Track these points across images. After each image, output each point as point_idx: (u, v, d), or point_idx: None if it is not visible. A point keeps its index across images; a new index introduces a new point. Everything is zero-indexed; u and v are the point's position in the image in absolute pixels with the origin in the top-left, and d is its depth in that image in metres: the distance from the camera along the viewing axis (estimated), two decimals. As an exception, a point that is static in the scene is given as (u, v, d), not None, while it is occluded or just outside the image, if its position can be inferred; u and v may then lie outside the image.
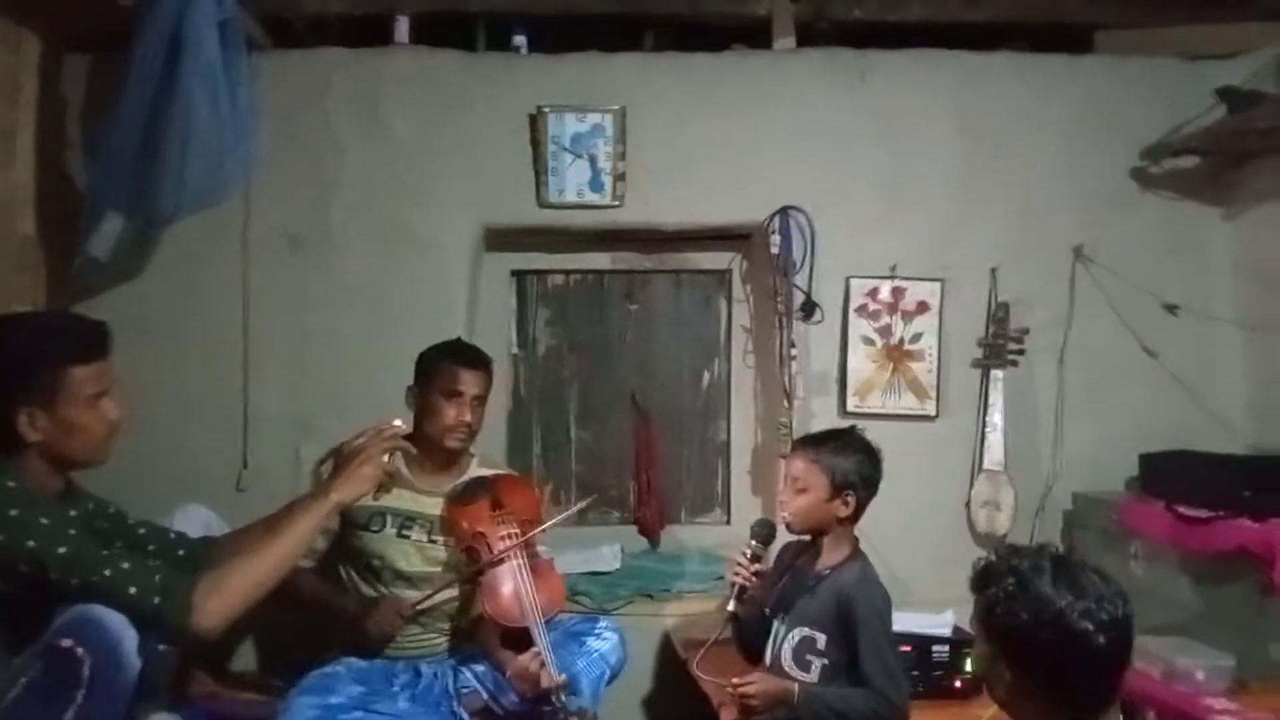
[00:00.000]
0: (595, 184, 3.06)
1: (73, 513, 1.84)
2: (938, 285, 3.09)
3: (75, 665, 1.61)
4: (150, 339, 2.83)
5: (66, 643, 1.62)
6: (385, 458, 1.99)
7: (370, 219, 3.02)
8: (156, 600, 1.70)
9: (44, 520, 1.71)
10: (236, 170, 2.59)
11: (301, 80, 3.00)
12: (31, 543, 1.68)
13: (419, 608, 2.42)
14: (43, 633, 1.67)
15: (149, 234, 2.81)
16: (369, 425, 2.05)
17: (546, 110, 3.01)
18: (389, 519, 2.47)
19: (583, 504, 2.59)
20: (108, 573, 1.70)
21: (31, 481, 1.79)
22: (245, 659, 2.85)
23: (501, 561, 2.34)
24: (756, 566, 2.12)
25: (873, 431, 2.94)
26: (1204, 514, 2.55)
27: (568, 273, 3.34)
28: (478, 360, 2.53)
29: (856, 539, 2.15)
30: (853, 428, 2.25)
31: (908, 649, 2.46)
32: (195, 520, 2.29)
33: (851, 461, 2.08)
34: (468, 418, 2.48)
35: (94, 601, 1.67)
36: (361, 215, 3.02)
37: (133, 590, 1.70)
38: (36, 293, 2.77)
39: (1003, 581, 1.43)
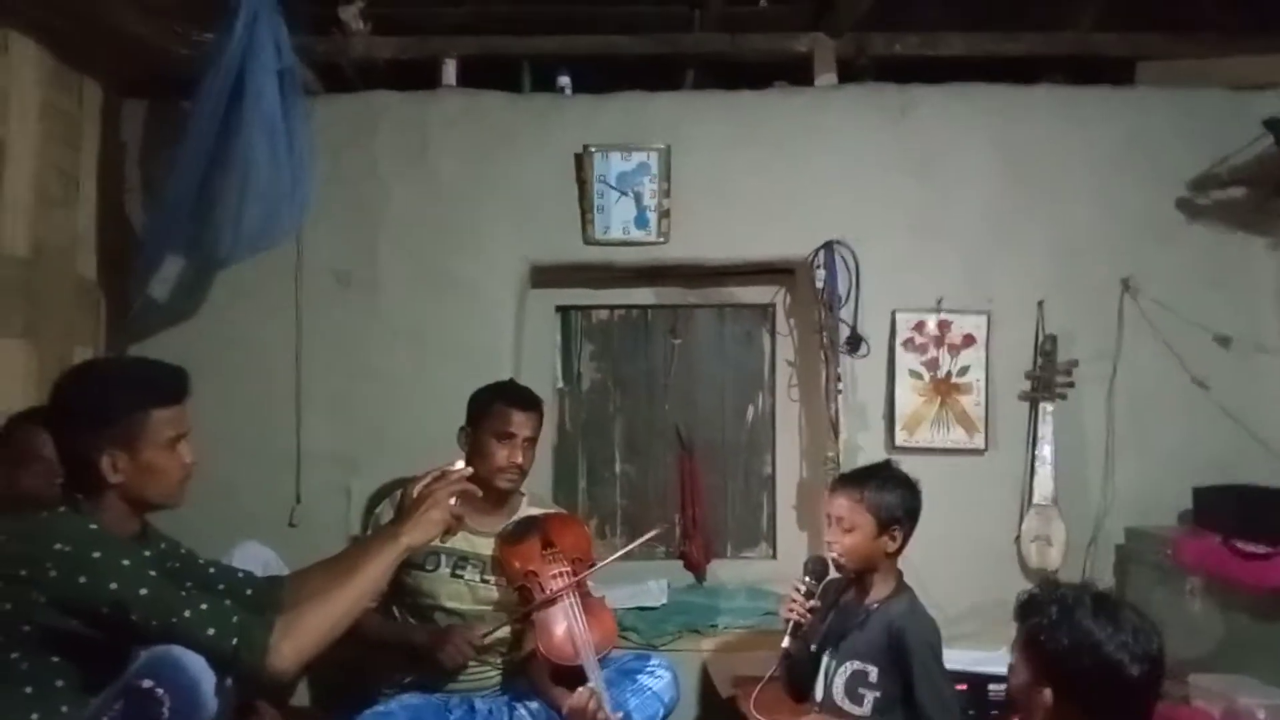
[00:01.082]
0: (640, 220, 3.09)
1: (148, 554, 1.87)
2: (984, 318, 3.09)
3: (155, 706, 1.63)
4: (204, 378, 2.76)
5: (147, 683, 1.64)
6: (452, 501, 2.00)
7: (417, 257, 3.07)
8: (235, 642, 1.72)
9: (125, 562, 1.74)
10: (292, 214, 2.65)
11: (351, 122, 3.06)
12: (114, 585, 1.70)
13: (485, 640, 2.43)
14: (121, 673, 1.69)
15: (204, 275, 2.87)
16: (433, 468, 2.05)
17: (593, 150, 3.05)
18: (443, 558, 2.50)
19: (640, 541, 2.57)
20: (187, 614, 1.72)
21: (110, 523, 1.81)
22: (298, 694, 2.87)
23: (555, 600, 2.35)
24: (812, 603, 2.12)
25: (921, 466, 2.94)
26: (1261, 549, 2.51)
27: (612, 308, 3.37)
28: (529, 402, 2.56)
29: (901, 572, 2.17)
30: (888, 462, 2.28)
31: (963, 687, 2.45)
32: (253, 558, 2.32)
33: (895, 496, 2.11)
34: (519, 459, 2.51)
35: (173, 643, 1.70)
36: (408, 254, 3.07)
37: (211, 631, 1.72)
38: (96, 334, 2.84)
39: (1047, 610, 1.54)
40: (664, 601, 3.07)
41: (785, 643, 2.11)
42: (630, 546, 2.55)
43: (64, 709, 1.71)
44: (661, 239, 3.09)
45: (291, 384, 3.00)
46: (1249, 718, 2.35)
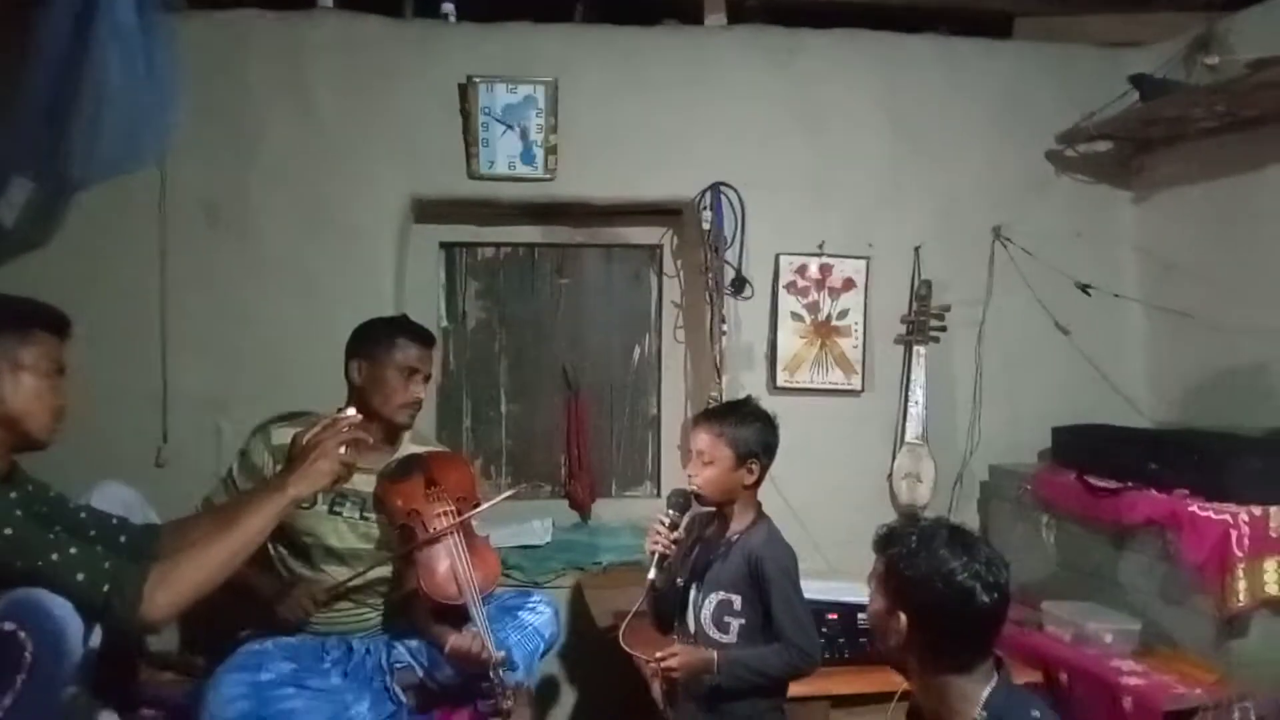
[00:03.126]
0: (527, 156, 3.03)
1: (14, 495, 1.78)
2: (864, 263, 3.16)
3: (17, 649, 1.57)
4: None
5: (8, 626, 1.57)
6: (342, 450, 1.94)
7: (293, 190, 2.94)
8: (106, 588, 1.66)
9: None
10: (154, 137, 2.49)
11: (220, 45, 2.89)
12: None
13: (351, 584, 2.39)
14: None
15: (58, 202, 2.69)
16: (323, 416, 2.00)
17: (477, 80, 2.97)
18: (319, 495, 2.42)
19: (513, 491, 2.60)
20: (54, 557, 1.66)
21: None
22: (166, 638, 2.77)
23: (438, 540, 2.33)
24: (675, 535, 2.16)
25: (801, 406, 3.04)
26: (1113, 485, 2.66)
27: (498, 245, 3.32)
28: (430, 338, 2.55)
29: (760, 504, 2.23)
30: (748, 398, 2.34)
31: (834, 616, 2.54)
32: (114, 498, 2.21)
33: (753, 431, 2.16)
34: (421, 394, 2.48)
35: (38, 586, 1.62)
36: (283, 186, 2.94)
37: (80, 577, 1.66)
38: (-63, 261, 2.64)
39: (905, 541, 1.61)
40: (548, 540, 3.09)
41: (651, 574, 2.14)
42: (505, 495, 2.53)
43: None
44: (549, 176, 3.04)
45: (156, 321, 2.86)
46: (1097, 640, 2.51)
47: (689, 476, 2.19)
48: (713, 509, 2.22)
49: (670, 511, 2.17)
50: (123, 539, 1.97)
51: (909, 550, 1.58)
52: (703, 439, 2.16)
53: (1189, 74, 2.87)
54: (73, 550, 1.68)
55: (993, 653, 1.60)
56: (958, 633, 1.56)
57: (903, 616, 1.58)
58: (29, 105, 2.37)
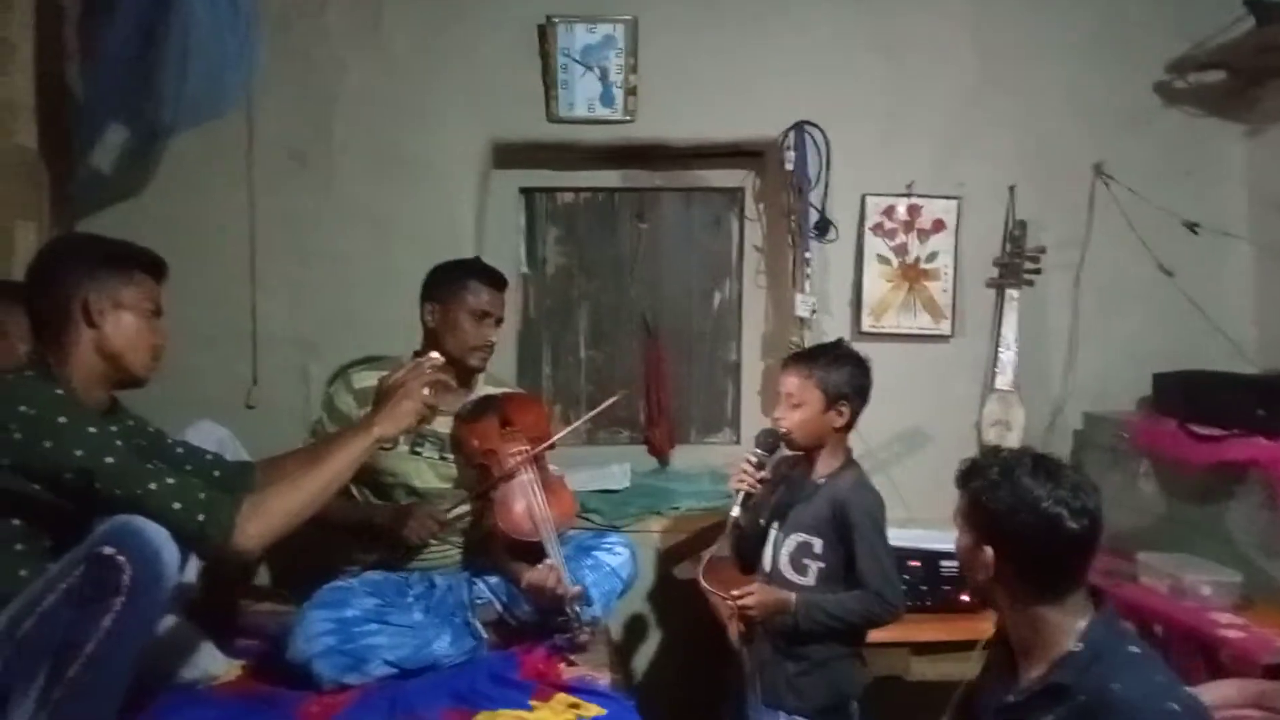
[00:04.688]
0: (606, 98, 2.99)
1: (114, 427, 1.85)
2: (954, 204, 3.05)
3: (116, 573, 1.62)
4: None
5: (108, 550, 1.62)
6: (426, 391, 2.00)
7: (374, 135, 2.96)
8: (201, 517, 1.72)
9: (91, 429, 1.72)
10: (237, 81, 2.55)
11: (300, -11, 2.91)
12: (79, 451, 1.69)
13: (448, 515, 2.43)
14: (82, 541, 1.67)
15: (151, 148, 2.76)
16: (401, 359, 2.07)
17: (556, 21, 2.93)
18: (401, 436, 2.46)
19: (599, 409, 2.56)
20: (153, 486, 1.71)
21: (80, 392, 1.80)
22: (258, 574, 2.88)
23: (513, 476, 2.35)
24: (762, 474, 2.14)
25: (887, 352, 2.95)
26: (1217, 432, 2.54)
27: (577, 190, 3.29)
28: (502, 281, 2.56)
29: (850, 449, 2.19)
30: (839, 341, 2.30)
31: (916, 564, 2.50)
32: (209, 436, 2.28)
33: (843, 373, 2.12)
34: (493, 337, 2.50)
35: (137, 514, 1.68)
36: (365, 131, 2.96)
37: (176, 505, 1.71)
38: (40, 208, 2.73)
39: (988, 473, 1.57)
40: (626, 485, 3.09)
41: (734, 512, 2.12)
42: (589, 416, 2.55)
43: (23, 573, 1.71)
44: (628, 118, 3.00)
45: (246, 265, 2.92)
46: (1194, 593, 2.41)
47: (776, 420, 2.16)
48: (799, 453, 2.18)
49: (758, 450, 2.15)
50: (217, 474, 2.05)
51: (992, 482, 1.55)
52: (791, 381, 2.13)
53: (1312, -5, 2.67)
54: (170, 480, 1.74)
55: (1086, 582, 1.56)
56: (1047, 562, 1.53)
57: (989, 550, 1.55)
58: (119, 51, 2.43)
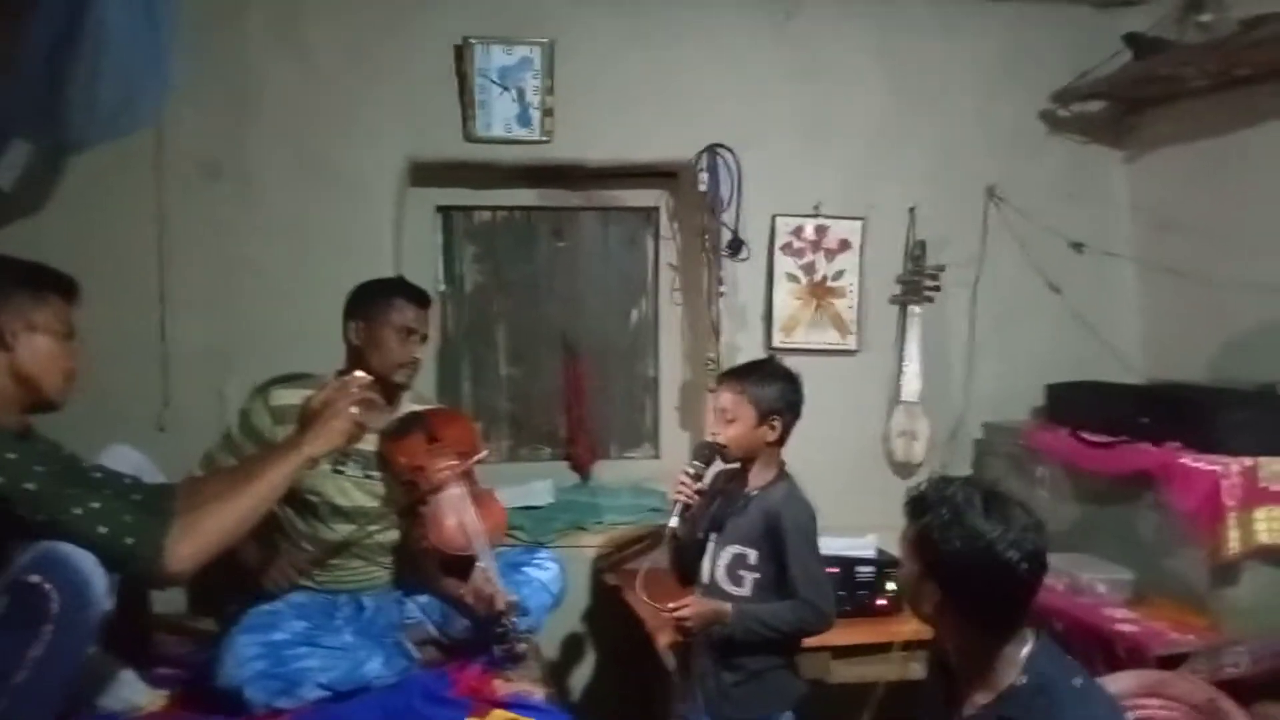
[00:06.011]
0: (523, 119, 3.02)
1: (34, 450, 1.79)
2: (859, 224, 3.18)
3: (43, 602, 1.58)
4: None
5: (35, 579, 1.59)
6: (354, 410, 1.99)
7: (291, 148, 2.92)
8: (129, 540, 1.69)
9: (11, 455, 1.68)
10: (152, 95, 2.46)
11: (217, -4, 2.86)
12: None
13: (352, 541, 2.42)
14: (7, 569, 1.63)
15: (55, 164, 2.68)
16: (323, 377, 2.06)
17: (474, 42, 2.95)
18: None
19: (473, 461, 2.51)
20: (77, 511, 1.67)
21: None
22: (174, 602, 2.79)
23: (442, 489, 2.35)
24: (699, 485, 2.19)
25: (797, 366, 3.03)
26: (1105, 439, 2.71)
27: (495, 209, 3.31)
28: (427, 298, 2.56)
29: (783, 462, 2.26)
30: (772, 357, 2.38)
31: (834, 570, 2.58)
32: (124, 461, 2.21)
33: (774, 389, 2.18)
34: (419, 354, 2.50)
35: (61, 539, 1.64)
36: (282, 144, 2.91)
37: (103, 530, 1.67)
38: (-65, 224, 2.61)
39: (938, 510, 1.54)
40: (550, 501, 3.11)
41: (673, 523, 2.17)
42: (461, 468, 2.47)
43: None
44: (545, 138, 3.04)
45: (155, 281, 2.84)
46: (1090, 590, 2.57)
47: (712, 435, 2.21)
48: (736, 465, 2.24)
49: (695, 463, 2.20)
50: (137, 497, 1.99)
51: (942, 522, 1.52)
52: (725, 397, 2.19)
53: (1182, 33, 2.88)
54: (94, 504, 1.70)
55: (1027, 616, 1.56)
56: (996, 603, 1.53)
57: (936, 585, 1.55)
58: (27, 65, 2.34)
